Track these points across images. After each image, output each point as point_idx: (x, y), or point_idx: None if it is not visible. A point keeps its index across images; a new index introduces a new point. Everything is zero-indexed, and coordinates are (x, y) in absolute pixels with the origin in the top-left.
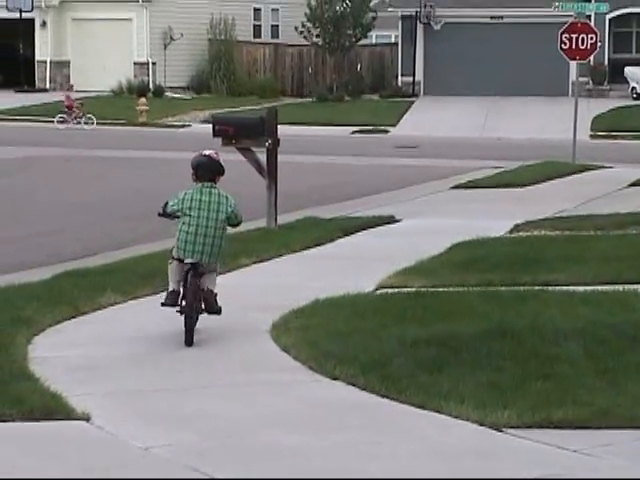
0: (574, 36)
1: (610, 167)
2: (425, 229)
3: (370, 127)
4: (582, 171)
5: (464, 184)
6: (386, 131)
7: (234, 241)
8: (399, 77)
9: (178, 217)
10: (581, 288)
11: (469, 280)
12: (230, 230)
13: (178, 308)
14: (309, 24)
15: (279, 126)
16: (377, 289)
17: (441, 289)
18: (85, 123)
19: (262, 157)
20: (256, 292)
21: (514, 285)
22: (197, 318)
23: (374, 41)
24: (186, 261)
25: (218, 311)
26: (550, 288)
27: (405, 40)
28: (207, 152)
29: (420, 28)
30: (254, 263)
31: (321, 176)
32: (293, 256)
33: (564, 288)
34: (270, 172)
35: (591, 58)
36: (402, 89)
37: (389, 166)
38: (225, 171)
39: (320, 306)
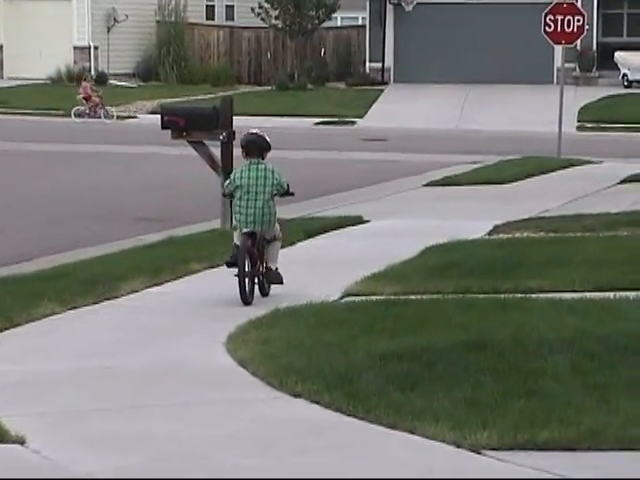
0: (559, 18)
1: (599, 162)
2: (396, 231)
3: (335, 118)
4: (568, 167)
5: (438, 181)
6: (353, 122)
7: (184, 244)
8: (367, 63)
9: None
10: (568, 295)
11: (444, 287)
12: (180, 232)
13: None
14: (267, 5)
15: (235, 117)
16: (343, 297)
17: (414, 297)
18: (105, 116)
19: (216, 151)
20: (208, 301)
21: (494, 292)
22: (256, 282)
23: (339, 23)
24: (242, 231)
25: (280, 281)
26: (534, 296)
27: (374, 22)
28: (253, 131)
29: (390, 9)
30: (205, 269)
31: (281, 172)
32: None
33: (549, 295)
34: (224, 168)
35: (578, 42)
36: (370, 76)
37: (356, 161)
38: (271, 147)
39: (281, 316)
